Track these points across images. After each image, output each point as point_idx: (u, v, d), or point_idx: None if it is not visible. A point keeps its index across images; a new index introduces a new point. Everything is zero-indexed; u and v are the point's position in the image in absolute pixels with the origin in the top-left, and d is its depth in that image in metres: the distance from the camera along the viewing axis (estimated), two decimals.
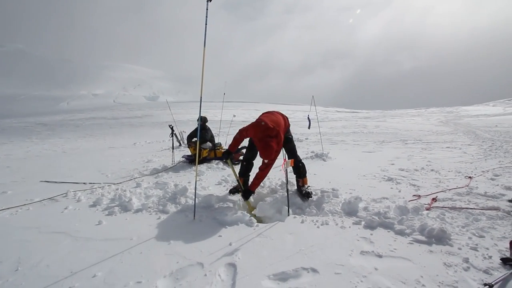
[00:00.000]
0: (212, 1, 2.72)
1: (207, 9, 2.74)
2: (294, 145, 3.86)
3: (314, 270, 1.98)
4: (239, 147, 5.54)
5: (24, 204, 3.48)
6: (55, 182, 4.65)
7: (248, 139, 3.81)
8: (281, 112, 3.88)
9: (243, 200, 3.43)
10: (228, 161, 3.64)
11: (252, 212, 3.24)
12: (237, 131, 3.60)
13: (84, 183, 4.54)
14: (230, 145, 3.57)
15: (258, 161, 3.84)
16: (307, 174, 3.92)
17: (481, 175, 4.56)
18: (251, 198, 3.53)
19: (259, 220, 3.09)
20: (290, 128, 3.89)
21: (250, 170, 3.88)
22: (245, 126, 3.55)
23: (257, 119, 3.51)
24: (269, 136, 3.25)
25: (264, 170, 3.42)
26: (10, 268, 2.08)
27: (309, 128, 8.58)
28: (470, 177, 4.41)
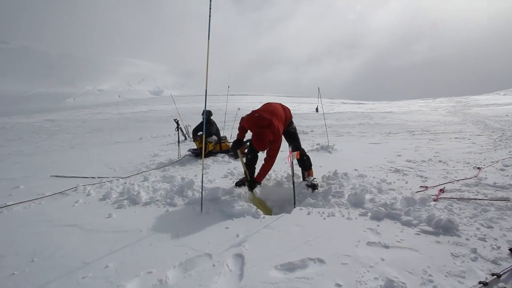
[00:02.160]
0: None
1: (210, 3, 2.71)
2: (298, 138, 3.85)
3: (320, 261, 2.00)
4: (245, 139, 5.54)
5: (37, 198, 3.57)
6: (65, 176, 4.75)
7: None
8: (282, 104, 3.87)
9: (248, 190, 3.46)
10: (238, 151, 3.69)
11: (256, 200, 3.30)
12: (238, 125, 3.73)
13: (93, 177, 4.63)
14: (237, 134, 3.69)
15: (262, 154, 3.85)
16: (312, 167, 3.93)
17: (490, 165, 4.49)
18: (257, 191, 3.56)
19: (267, 211, 3.13)
20: (295, 120, 3.89)
21: (255, 163, 3.90)
22: (240, 120, 3.65)
23: (252, 111, 3.54)
24: (261, 127, 3.25)
25: (269, 161, 3.44)
26: (26, 259, 2.16)
27: (317, 111, 8.65)
28: (479, 167, 4.35)
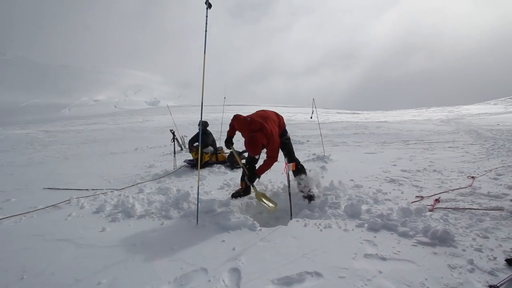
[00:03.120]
0: (211, 8, 2.75)
1: (206, 16, 2.77)
2: (292, 148, 3.88)
3: (318, 274, 1.98)
4: (240, 151, 5.55)
5: (28, 212, 3.49)
6: (58, 189, 4.67)
7: None
8: (276, 112, 3.92)
9: (248, 184, 3.51)
10: (232, 148, 3.73)
11: (258, 194, 3.38)
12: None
13: (87, 189, 4.56)
14: (227, 132, 3.77)
15: (260, 165, 3.85)
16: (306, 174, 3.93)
17: (484, 174, 4.54)
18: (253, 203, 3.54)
19: (272, 203, 3.22)
20: (290, 129, 3.94)
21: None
22: (232, 119, 3.73)
23: (245, 116, 3.59)
24: (253, 131, 3.28)
25: (270, 160, 3.50)
26: (16, 276, 2.09)
27: (311, 117, 8.83)
28: (473, 177, 4.40)
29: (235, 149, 3.94)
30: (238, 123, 3.59)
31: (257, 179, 3.57)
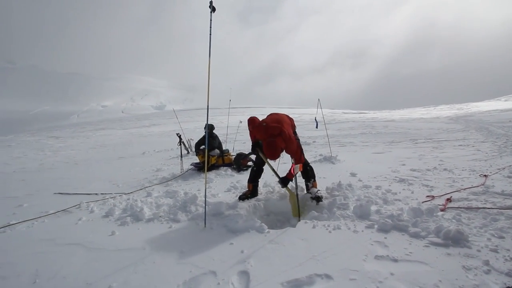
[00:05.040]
0: (215, 11, 2.77)
1: (210, 20, 2.79)
2: (302, 149, 3.85)
3: (328, 277, 1.95)
4: (246, 153, 5.54)
5: (40, 217, 3.56)
6: (68, 193, 4.75)
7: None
8: (287, 114, 3.91)
9: (282, 187, 3.51)
10: (259, 152, 3.68)
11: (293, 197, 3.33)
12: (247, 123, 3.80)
13: (96, 193, 4.62)
14: (251, 139, 3.73)
15: (267, 168, 3.84)
16: (316, 178, 3.90)
17: (496, 172, 4.42)
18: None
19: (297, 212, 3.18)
20: (297, 130, 3.91)
21: (259, 176, 3.88)
22: (248, 126, 3.69)
23: (260, 121, 3.57)
24: (272, 136, 3.27)
25: (298, 161, 3.46)
26: (28, 280, 2.13)
27: (316, 127, 8.69)
28: (485, 175, 4.28)
29: (258, 152, 3.86)
30: (253, 127, 3.58)
31: (290, 181, 3.53)
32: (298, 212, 3.16)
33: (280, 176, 3.52)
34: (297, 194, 3.23)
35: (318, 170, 5.03)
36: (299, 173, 3.62)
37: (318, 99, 7.70)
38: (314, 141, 10.58)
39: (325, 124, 9.52)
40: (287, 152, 3.46)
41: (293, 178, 3.33)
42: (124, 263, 2.29)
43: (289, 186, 3.48)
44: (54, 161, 9.42)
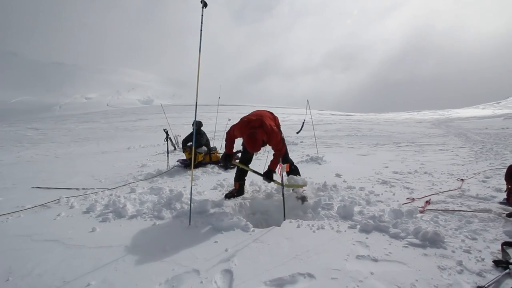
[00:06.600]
0: (207, 7, 2.74)
1: (202, 15, 2.76)
2: (286, 149, 3.89)
3: (310, 275, 1.98)
4: (234, 150, 5.51)
5: (15, 211, 3.40)
6: (47, 188, 4.57)
7: (241, 143, 3.84)
8: (272, 112, 3.91)
9: (269, 182, 3.54)
10: (236, 163, 3.68)
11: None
12: (225, 135, 3.68)
13: (77, 188, 4.47)
14: (226, 148, 3.62)
15: (253, 165, 3.84)
16: (302, 178, 3.94)
17: (472, 177, 4.64)
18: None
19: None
20: (284, 130, 3.94)
21: (245, 174, 3.88)
22: (229, 128, 3.63)
23: (241, 118, 3.56)
24: (253, 128, 3.28)
25: (279, 152, 3.48)
26: (1, 278, 2.03)
27: (297, 132, 8.70)
28: (462, 179, 4.49)
29: (236, 161, 3.83)
30: (237, 127, 3.49)
31: (274, 173, 3.52)
32: (284, 211, 3.18)
33: (262, 172, 3.53)
34: (283, 194, 3.26)
35: (305, 170, 5.10)
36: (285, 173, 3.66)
37: (307, 100, 7.79)
38: (301, 142, 10.70)
39: (312, 125, 9.64)
40: (269, 144, 3.44)
41: (280, 178, 3.34)
42: (104, 261, 2.23)
43: (276, 179, 3.49)
44: (33, 154, 9.02)
